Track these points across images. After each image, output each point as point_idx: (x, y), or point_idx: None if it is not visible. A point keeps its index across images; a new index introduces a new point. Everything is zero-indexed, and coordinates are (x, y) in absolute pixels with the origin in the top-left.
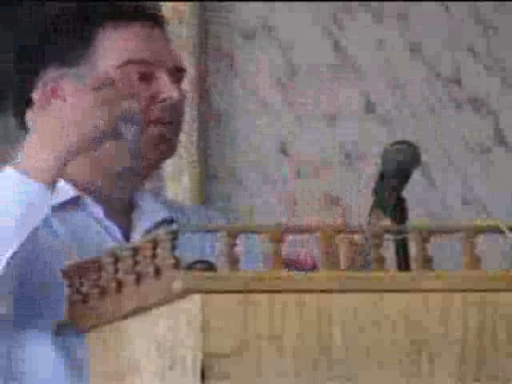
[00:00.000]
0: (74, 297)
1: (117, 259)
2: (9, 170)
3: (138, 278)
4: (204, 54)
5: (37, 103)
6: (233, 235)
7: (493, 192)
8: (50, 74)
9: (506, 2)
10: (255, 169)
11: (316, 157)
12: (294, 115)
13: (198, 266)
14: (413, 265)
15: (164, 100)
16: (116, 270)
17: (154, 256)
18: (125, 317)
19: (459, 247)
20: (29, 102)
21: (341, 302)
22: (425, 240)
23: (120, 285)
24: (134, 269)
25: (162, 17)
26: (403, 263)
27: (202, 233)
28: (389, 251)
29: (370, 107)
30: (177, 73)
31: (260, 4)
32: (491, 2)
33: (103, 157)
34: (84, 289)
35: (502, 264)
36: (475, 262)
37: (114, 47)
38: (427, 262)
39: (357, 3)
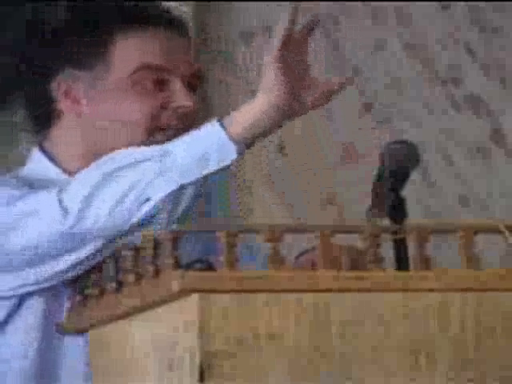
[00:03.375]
0: (74, 296)
1: (118, 259)
2: None
3: (138, 278)
4: (204, 53)
5: (60, 102)
6: (232, 235)
7: (492, 192)
8: (63, 76)
9: (505, 2)
10: (254, 168)
11: (315, 156)
12: None
13: (197, 265)
14: (412, 264)
15: (176, 108)
16: (117, 270)
17: (154, 256)
18: (124, 316)
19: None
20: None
21: (339, 302)
22: (423, 239)
23: (120, 284)
24: (134, 269)
25: (183, 23)
26: (402, 263)
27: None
28: (387, 251)
29: (368, 107)
30: (194, 80)
31: (260, 4)
32: (489, 2)
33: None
34: (84, 288)
35: (500, 264)
36: (474, 261)
37: (129, 52)
38: (426, 261)
39: (355, 3)
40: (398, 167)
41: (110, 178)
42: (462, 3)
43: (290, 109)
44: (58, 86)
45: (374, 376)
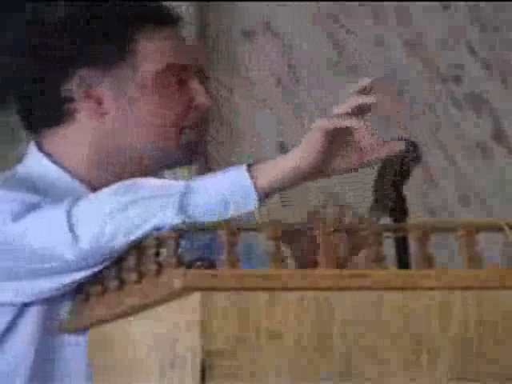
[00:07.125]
0: (76, 296)
1: (120, 258)
2: None
3: (140, 276)
4: (204, 53)
5: (79, 102)
6: (233, 233)
7: (492, 191)
8: (84, 76)
9: (505, 2)
10: None
11: None
12: (294, 114)
13: (198, 263)
14: (414, 263)
15: (197, 107)
16: (119, 269)
17: (157, 254)
18: (125, 315)
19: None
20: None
21: (341, 300)
22: (425, 238)
23: (122, 283)
24: (137, 267)
25: (183, 20)
26: (403, 261)
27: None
28: (389, 249)
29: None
30: (201, 76)
31: (260, 4)
32: (489, 2)
33: (130, 158)
34: (86, 287)
35: (501, 262)
36: (475, 260)
37: (153, 52)
38: (427, 260)
39: (356, 3)
40: (399, 165)
41: (128, 207)
42: (463, 3)
43: (320, 172)
44: (77, 85)
45: (375, 376)
